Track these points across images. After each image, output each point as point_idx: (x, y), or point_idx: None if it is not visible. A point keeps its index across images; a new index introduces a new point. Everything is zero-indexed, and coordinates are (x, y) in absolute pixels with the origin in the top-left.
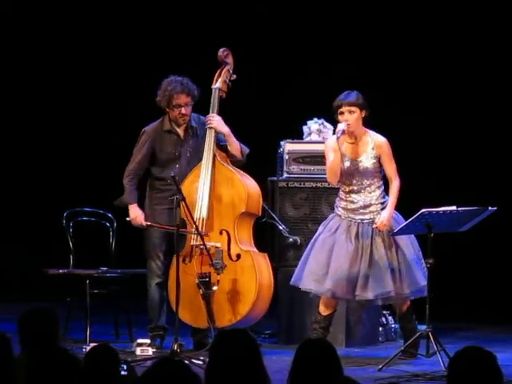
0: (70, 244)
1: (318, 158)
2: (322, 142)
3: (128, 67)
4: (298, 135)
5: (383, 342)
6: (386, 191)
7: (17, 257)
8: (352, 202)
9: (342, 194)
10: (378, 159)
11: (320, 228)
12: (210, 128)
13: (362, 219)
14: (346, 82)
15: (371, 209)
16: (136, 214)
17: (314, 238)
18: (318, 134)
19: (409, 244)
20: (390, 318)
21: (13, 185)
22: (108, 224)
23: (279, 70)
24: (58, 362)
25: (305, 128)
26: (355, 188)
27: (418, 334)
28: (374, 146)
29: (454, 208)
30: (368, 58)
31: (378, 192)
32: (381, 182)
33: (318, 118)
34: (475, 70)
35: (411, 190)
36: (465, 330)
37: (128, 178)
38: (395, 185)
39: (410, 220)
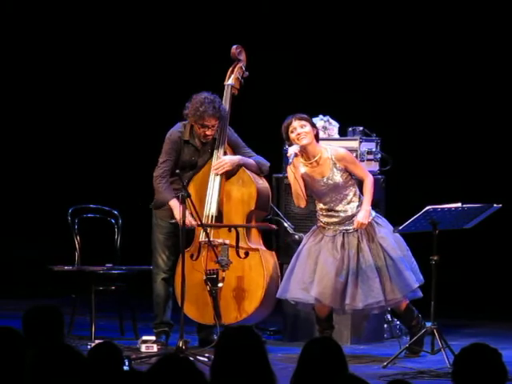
0: (76, 241)
1: None
2: (328, 139)
3: (135, 65)
4: None
5: (388, 338)
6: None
7: (22, 253)
8: (333, 217)
9: (321, 211)
10: (345, 169)
11: (304, 240)
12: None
13: (346, 230)
14: (351, 79)
15: (354, 219)
16: (182, 212)
17: (299, 249)
18: (323, 131)
19: (395, 247)
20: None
21: (18, 181)
22: (113, 221)
23: (285, 66)
24: (62, 359)
25: None
26: (332, 204)
27: (423, 331)
28: (335, 160)
29: (458, 205)
30: (372, 56)
31: (356, 199)
32: (355, 189)
33: (324, 115)
34: (478, 68)
35: (416, 187)
36: (470, 327)
37: (157, 180)
38: (367, 182)
39: (415, 217)
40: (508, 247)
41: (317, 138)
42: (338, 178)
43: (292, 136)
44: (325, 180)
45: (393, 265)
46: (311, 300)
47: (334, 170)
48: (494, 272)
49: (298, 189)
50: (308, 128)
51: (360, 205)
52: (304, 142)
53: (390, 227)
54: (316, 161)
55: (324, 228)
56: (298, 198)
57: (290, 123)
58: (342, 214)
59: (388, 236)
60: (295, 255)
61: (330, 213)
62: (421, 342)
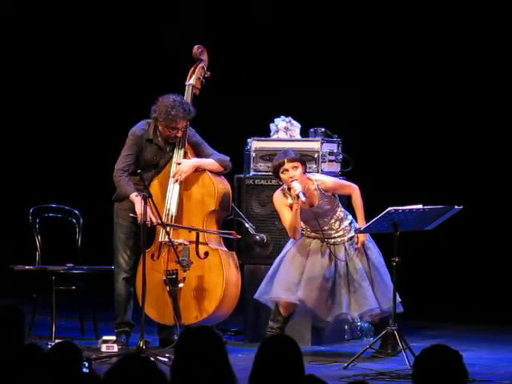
0: (37, 240)
1: None
2: (290, 140)
3: (94, 64)
4: (265, 133)
5: (349, 339)
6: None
7: None
8: (318, 232)
9: (305, 229)
10: (333, 194)
11: (288, 245)
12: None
13: (334, 242)
14: (313, 80)
15: (340, 233)
16: (143, 209)
17: (283, 253)
18: (285, 132)
19: (382, 262)
20: (355, 316)
21: None
22: (74, 220)
23: (247, 66)
24: (24, 359)
25: (272, 125)
26: (318, 227)
27: (383, 332)
28: (323, 190)
29: (420, 206)
30: (334, 57)
31: (341, 214)
32: (340, 207)
33: (286, 116)
34: (439, 68)
35: (378, 189)
36: (431, 329)
37: (118, 174)
38: (355, 197)
39: (376, 218)
40: (468, 249)
41: (305, 170)
42: (326, 206)
43: (283, 177)
44: (313, 209)
45: (379, 277)
46: (295, 300)
47: (324, 198)
48: (454, 274)
49: (298, 223)
50: (299, 170)
51: (342, 223)
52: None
53: (376, 245)
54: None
55: (309, 238)
56: (295, 232)
57: (283, 164)
58: (328, 231)
59: (374, 250)
60: (278, 259)
61: (314, 231)
62: (392, 344)
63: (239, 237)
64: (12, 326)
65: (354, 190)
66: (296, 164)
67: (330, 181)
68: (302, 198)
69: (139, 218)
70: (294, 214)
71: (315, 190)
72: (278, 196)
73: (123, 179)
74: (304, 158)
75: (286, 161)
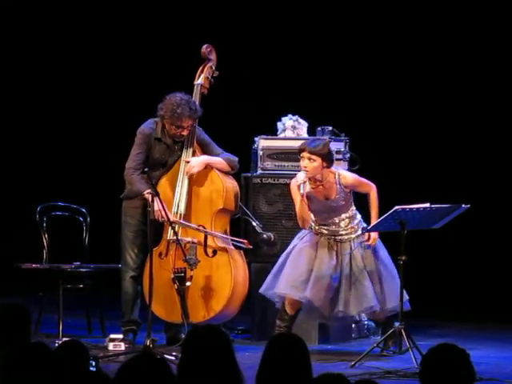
0: (44, 239)
1: (292, 155)
2: (297, 139)
3: (103, 63)
4: (272, 131)
5: (356, 338)
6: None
7: None
8: (327, 228)
9: (315, 222)
10: (350, 191)
11: (295, 240)
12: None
13: (340, 239)
14: (321, 78)
15: (347, 231)
16: (160, 206)
17: (290, 249)
18: (292, 131)
19: (388, 257)
20: (362, 314)
21: None
22: (81, 218)
23: (254, 65)
24: (30, 358)
25: (279, 124)
26: (329, 220)
27: (390, 331)
28: (343, 186)
29: (427, 205)
30: (340, 56)
31: (351, 213)
32: (353, 206)
33: (293, 115)
34: (445, 68)
35: (385, 187)
36: (438, 328)
37: (130, 172)
38: (372, 195)
39: (383, 217)
40: (476, 248)
41: (328, 165)
42: (341, 201)
43: (300, 163)
44: (328, 202)
45: (387, 275)
46: (300, 298)
47: (341, 194)
48: (461, 272)
49: (305, 213)
50: (316, 163)
51: (352, 222)
52: (308, 175)
53: (383, 246)
54: (322, 183)
55: (317, 235)
56: (304, 222)
57: (303, 150)
58: (336, 228)
59: (383, 249)
60: (285, 254)
61: (323, 225)
62: (397, 342)
63: (251, 247)
64: (18, 325)
65: (372, 189)
66: (314, 157)
67: (350, 176)
68: (301, 190)
69: (157, 215)
70: (299, 204)
71: (334, 183)
72: (294, 182)
73: (135, 177)
74: (329, 155)
75: (306, 149)
